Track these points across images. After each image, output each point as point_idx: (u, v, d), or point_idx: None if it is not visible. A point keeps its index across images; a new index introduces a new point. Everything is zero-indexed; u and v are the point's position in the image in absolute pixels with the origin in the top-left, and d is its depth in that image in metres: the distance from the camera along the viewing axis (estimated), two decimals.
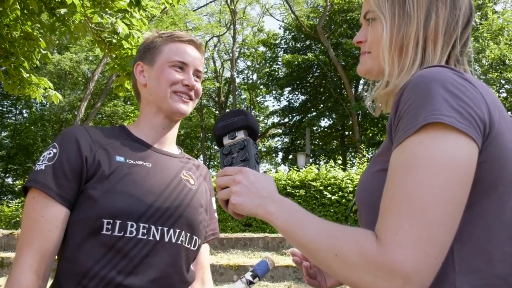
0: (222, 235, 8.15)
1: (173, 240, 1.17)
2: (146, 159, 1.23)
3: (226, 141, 0.96)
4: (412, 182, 0.67)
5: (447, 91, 0.70)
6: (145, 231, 1.13)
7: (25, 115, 25.34)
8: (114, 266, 1.10)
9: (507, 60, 18.43)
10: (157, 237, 1.15)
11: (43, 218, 1.10)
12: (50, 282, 1.15)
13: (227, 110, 25.62)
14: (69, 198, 1.13)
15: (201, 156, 27.02)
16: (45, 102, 6.43)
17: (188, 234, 1.22)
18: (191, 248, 1.24)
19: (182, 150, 1.42)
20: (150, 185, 1.18)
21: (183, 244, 1.20)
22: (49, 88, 5.29)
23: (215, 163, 29.25)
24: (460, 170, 0.67)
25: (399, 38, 0.85)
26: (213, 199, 1.43)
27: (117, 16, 4.13)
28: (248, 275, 1.16)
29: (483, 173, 0.71)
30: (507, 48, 18.36)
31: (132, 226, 1.12)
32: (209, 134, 27.27)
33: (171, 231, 1.17)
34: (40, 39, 4.88)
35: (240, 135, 0.95)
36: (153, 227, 1.14)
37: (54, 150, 1.17)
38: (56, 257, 1.15)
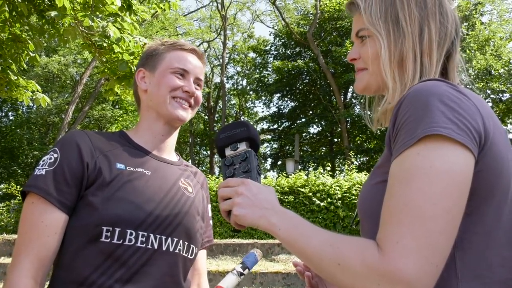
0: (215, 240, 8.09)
1: (171, 249, 1.17)
2: (145, 167, 1.22)
3: (228, 152, 0.97)
4: (412, 192, 0.69)
5: (443, 104, 0.72)
6: (144, 239, 1.12)
7: (11, 117, 25.00)
8: (112, 274, 1.09)
9: (493, 71, 18.78)
10: (155, 246, 1.14)
11: (42, 224, 1.09)
12: None
13: (218, 118, 25.70)
14: (69, 204, 1.12)
15: (190, 161, 26.90)
16: (32, 104, 6.36)
17: (186, 243, 1.22)
18: (188, 256, 1.24)
19: (181, 157, 1.43)
20: (150, 193, 1.17)
21: (181, 253, 1.20)
22: (37, 91, 5.23)
23: (204, 168, 29.14)
24: (458, 180, 0.69)
25: (397, 54, 0.89)
26: (209, 206, 1.43)
27: (108, 20, 4.10)
28: (238, 267, 1.21)
29: (480, 182, 0.74)
30: (493, 59, 18.71)
31: (131, 234, 1.11)
32: (198, 139, 27.20)
33: (169, 239, 1.17)
34: (29, 41, 4.82)
35: (242, 146, 0.96)
36: (151, 236, 1.14)
37: (55, 155, 1.15)
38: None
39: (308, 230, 0.78)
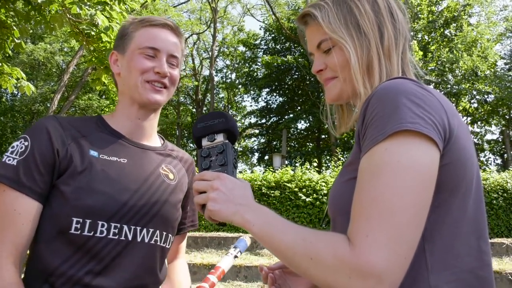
0: (197, 233, 8.09)
1: (146, 240, 1.14)
2: (121, 155, 1.18)
3: (205, 142, 0.95)
4: (380, 186, 0.71)
5: (410, 101, 0.75)
6: (116, 231, 1.09)
7: None
8: (82, 266, 1.06)
9: (479, 72, 19.04)
10: (129, 237, 1.11)
11: (15, 212, 1.07)
12: None
13: (206, 111, 25.51)
14: (41, 191, 1.09)
15: None
16: (16, 92, 6.24)
17: (164, 233, 1.19)
18: (166, 246, 1.22)
19: (166, 141, 1.37)
20: (125, 182, 1.14)
21: (157, 243, 1.17)
22: (22, 78, 5.13)
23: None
24: (424, 173, 0.72)
25: (364, 59, 0.91)
26: None
27: (96, 8, 4.04)
28: (232, 251, 1.30)
29: (447, 175, 0.76)
30: (479, 60, 18.97)
31: (103, 226, 1.08)
32: (185, 132, 27.06)
33: (144, 230, 1.14)
34: (14, 27, 4.72)
35: (220, 138, 0.94)
36: (125, 227, 1.10)
37: (26, 143, 1.12)
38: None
39: (282, 225, 0.79)
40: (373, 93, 0.80)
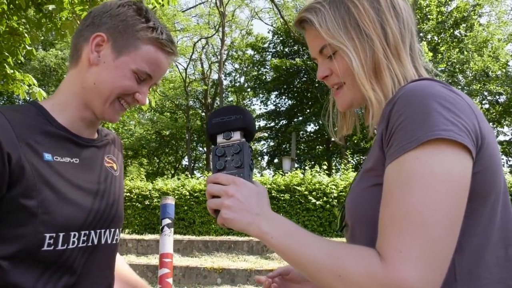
0: (207, 237, 8.10)
1: (109, 241, 1.10)
2: (72, 154, 1.06)
3: (220, 139, 0.89)
4: (412, 199, 0.67)
5: (441, 106, 0.71)
6: (85, 238, 1.03)
7: None
8: (56, 282, 0.97)
9: (490, 72, 18.84)
10: (95, 241, 1.05)
11: None
12: None
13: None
14: None
15: (186, 157, 26.88)
16: (29, 98, 6.31)
17: (118, 230, 1.14)
18: (118, 243, 1.18)
19: (100, 127, 1.22)
20: (84, 186, 1.05)
21: (114, 242, 1.13)
22: (33, 85, 5.19)
23: (201, 164, 29.12)
24: (457, 184, 0.69)
25: (369, 62, 0.85)
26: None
27: None
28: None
29: (478, 183, 0.73)
30: (490, 61, 18.77)
31: (74, 236, 1.00)
32: (195, 136, 27.16)
33: (107, 232, 1.09)
34: (26, 34, 4.78)
35: (236, 136, 0.88)
36: (92, 232, 1.04)
37: None
38: None
39: (303, 238, 0.75)
40: (397, 96, 0.75)
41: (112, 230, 1.11)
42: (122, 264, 1.34)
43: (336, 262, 0.70)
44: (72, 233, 0.99)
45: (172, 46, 1.10)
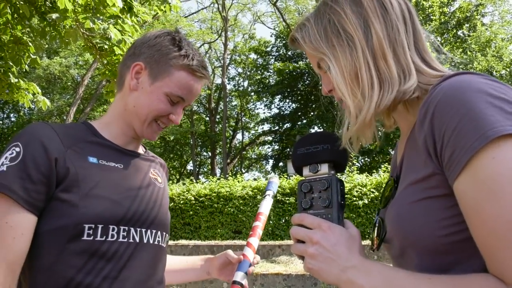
0: (212, 242, 8.09)
1: (151, 241, 1.16)
2: (117, 160, 1.17)
3: (307, 172, 0.81)
4: (508, 205, 0.59)
5: (494, 98, 0.64)
6: (125, 233, 1.09)
7: (12, 119, 25.03)
8: (98, 272, 1.04)
9: (494, 72, 18.76)
10: (137, 239, 1.12)
11: (6, 225, 0.99)
12: None
13: (220, 119, 25.63)
14: (36, 203, 1.03)
15: (191, 162, 26.90)
16: (34, 106, 6.36)
17: (164, 233, 1.22)
18: (165, 246, 1.24)
19: (146, 148, 1.38)
20: (125, 187, 1.14)
21: (159, 243, 1.19)
22: (38, 93, 5.23)
23: (205, 169, 29.13)
24: None
25: (348, 67, 0.80)
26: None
27: (109, 22, 4.10)
28: (268, 193, 1.39)
29: None
30: (494, 60, 18.70)
31: (113, 230, 1.07)
32: (199, 140, 27.19)
33: (149, 232, 1.15)
34: (30, 43, 4.83)
35: (324, 169, 0.80)
36: (132, 229, 1.11)
37: (17, 149, 1.04)
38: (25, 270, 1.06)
39: (406, 283, 0.65)
40: (435, 98, 0.68)
41: (154, 231, 1.17)
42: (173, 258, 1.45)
43: None
44: (111, 227, 1.07)
45: (203, 71, 1.21)
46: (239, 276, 1.26)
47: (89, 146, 1.14)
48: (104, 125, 1.22)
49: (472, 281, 0.63)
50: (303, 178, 0.82)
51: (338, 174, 0.86)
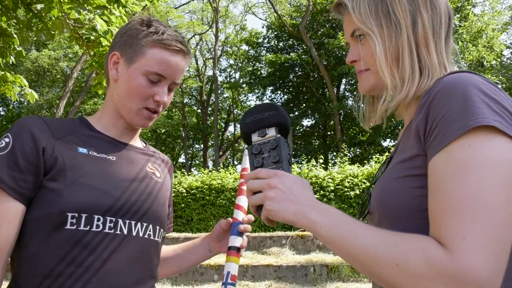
0: (203, 234, 8.08)
1: (141, 234, 1.13)
2: (109, 152, 1.16)
3: (255, 138, 0.89)
4: (470, 184, 0.65)
5: (486, 96, 0.70)
6: (112, 225, 1.07)
7: (1, 113, 24.76)
8: (81, 262, 1.03)
9: (485, 62, 18.87)
10: (125, 231, 1.09)
11: None
12: (4, 286, 1.06)
13: (211, 111, 25.54)
14: (24, 192, 1.04)
15: (183, 155, 26.85)
16: (23, 100, 6.28)
17: (157, 227, 1.19)
18: (159, 241, 1.21)
19: (147, 144, 1.36)
20: (116, 178, 1.12)
21: (151, 237, 1.16)
22: (25, 86, 5.16)
23: (197, 162, 29.10)
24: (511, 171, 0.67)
25: (392, 49, 0.86)
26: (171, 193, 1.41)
27: (95, 12, 4.04)
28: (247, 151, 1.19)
29: None
30: (485, 50, 18.80)
31: (98, 220, 1.05)
32: (191, 133, 27.12)
33: (139, 224, 1.13)
34: (15, 35, 4.74)
35: (271, 132, 0.87)
36: (120, 221, 1.09)
37: (7, 140, 1.06)
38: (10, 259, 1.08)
39: (356, 227, 0.72)
40: (437, 88, 0.74)
41: (145, 224, 1.14)
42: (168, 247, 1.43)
43: (393, 250, 0.67)
44: (96, 217, 1.05)
45: (177, 44, 1.16)
46: (232, 241, 1.24)
47: (79, 137, 1.14)
48: (97, 120, 1.22)
49: (413, 236, 0.69)
50: (253, 144, 0.89)
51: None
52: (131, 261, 1.10)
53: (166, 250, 1.40)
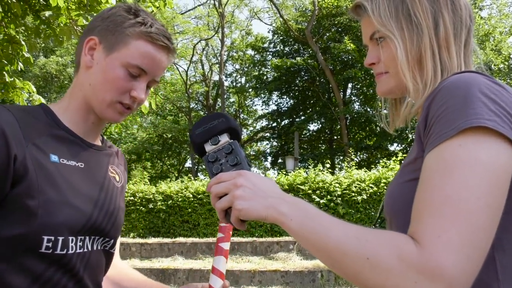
0: (210, 239, 8.08)
1: (100, 247, 1.07)
2: (78, 158, 1.06)
3: (209, 147, 0.88)
4: (455, 184, 0.65)
5: (484, 96, 0.69)
6: (81, 243, 1.00)
7: None
8: (55, 284, 0.95)
9: (493, 66, 18.75)
10: (89, 248, 1.03)
11: None
12: None
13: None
14: None
15: (189, 160, 26.90)
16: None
17: (113, 240, 1.12)
18: (113, 252, 1.16)
19: (104, 138, 1.25)
20: (86, 191, 1.04)
21: (106, 248, 1.11)
22: (33, 92, 5.20)
23: (203, 166, 29.09)
24: (501, 175, 0.66)
25: (414, 52, 0.85)
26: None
27: None
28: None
29: None
30: (493, 54, 18.68)
31: (72, 241, 0.98)
32: None
33: (100, 239, 1.07)
34: (23, 42, 4.79)
35: (224, 138, 0.87)
36: (87, 238, 1.02)
37: None
38: None
39: (327, 220, 0.70)
40: (438, 88, 0.74)
41: (107, 238, 1.09)
42: (132, 271, 1.32)
43: (365, 244, 0.66)
44: (71, 238, 0.97)
45: (164, 39, 1.07)
46: None
47: (51, 140, 1.01)
48: (63, 111, 1.09)
49: (388, 232, 0.69)
50: (207, 153, 0.88)
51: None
52: (96, 276, 1.06)
53: (134, 277, 1.30)
